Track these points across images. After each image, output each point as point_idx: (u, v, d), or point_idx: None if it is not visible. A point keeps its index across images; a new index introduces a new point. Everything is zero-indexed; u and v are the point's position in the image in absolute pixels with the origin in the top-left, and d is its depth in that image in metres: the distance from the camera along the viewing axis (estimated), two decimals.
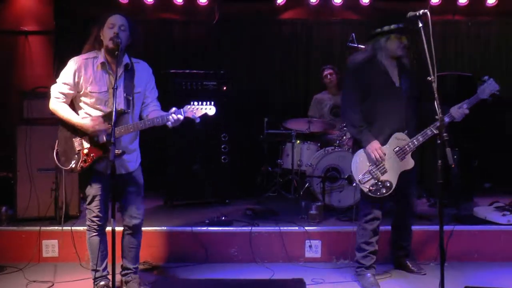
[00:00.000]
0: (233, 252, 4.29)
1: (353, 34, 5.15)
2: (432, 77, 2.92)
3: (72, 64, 3.30)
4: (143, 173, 3.58)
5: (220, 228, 4.34)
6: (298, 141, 5.70)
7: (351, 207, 5.10)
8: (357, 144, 3.67)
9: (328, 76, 6.03)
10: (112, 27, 3.22)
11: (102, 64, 3.29)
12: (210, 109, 3.27)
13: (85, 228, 3.47)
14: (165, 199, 5.42)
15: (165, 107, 3.40)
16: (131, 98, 3.32)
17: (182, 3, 6.49)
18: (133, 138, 3.44)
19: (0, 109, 5.87)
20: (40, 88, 4.68)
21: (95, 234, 3.41)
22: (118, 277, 3.41)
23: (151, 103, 3.47)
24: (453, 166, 2.82)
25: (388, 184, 3.53)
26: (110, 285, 3.31)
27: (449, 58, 6.69)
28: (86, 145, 3.28)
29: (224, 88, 5.54)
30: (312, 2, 6.55)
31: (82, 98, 3.31)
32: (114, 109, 2.93)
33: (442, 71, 5.21)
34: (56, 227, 4.26)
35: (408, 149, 3.55)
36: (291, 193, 5.67)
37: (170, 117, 3.20)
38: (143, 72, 3.46)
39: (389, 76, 3.60)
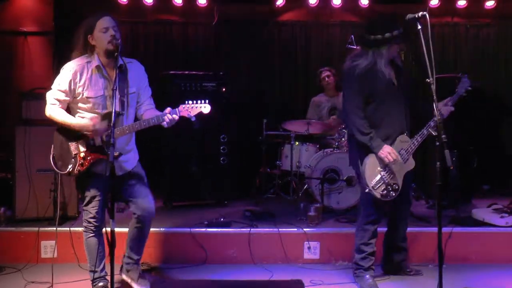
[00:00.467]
0: (232, 253, 4.29)
1: (353, 36, 5.15)
2: (431, 79, 2.93)
3: (67, 70, 3.28)
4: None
5: (219, 230, 4.34)
6: (297, 143, 5.69)
7: (350, 208, 5.13)
8: (363, 150, 3.56)
9: (326, 78, 6.00)
10: (106, 31, 3.22)
11: (97, 67, 3.29)
12: (205, 107, 3.24)
13: (83, 229, 3.47)
14: (165, 200, 5.42)
15: (165, 108, 3.38)
16: (125, 99, 3.33)
17: (182, 4, 6.48)
18: (128, 140, 3.45)
19: None
20: (38, 89, 4.65)
21: (92, 235, 3.41)
22: (117, 278, 3.40)
23: (145, 101, 3.47)
24: (451, 168, 2.84)
25: (396, 187, 3.54)
26: (109, 286, 3.30)
27: (447, 60, 6.70)
28: (82, 148, 3.28)
29: (223, 89, 5.54)
30: (311, 4, 6.55)
31: (79, 104, 3.31)
32: (113, 110, 2.93)
33: (441, 73, 5.22)
34: (54, 228, 4.25)
35: (410, 150, 3.57)
36: (290, 195, 5.67)
37: (166, 117, 3.19)
38: (136, 71, 3.46)
39: (390, 81, 3.59)
